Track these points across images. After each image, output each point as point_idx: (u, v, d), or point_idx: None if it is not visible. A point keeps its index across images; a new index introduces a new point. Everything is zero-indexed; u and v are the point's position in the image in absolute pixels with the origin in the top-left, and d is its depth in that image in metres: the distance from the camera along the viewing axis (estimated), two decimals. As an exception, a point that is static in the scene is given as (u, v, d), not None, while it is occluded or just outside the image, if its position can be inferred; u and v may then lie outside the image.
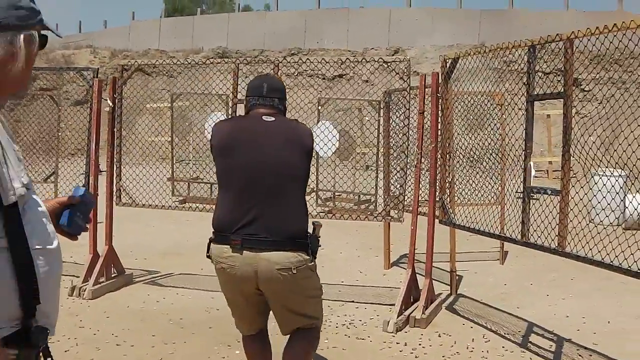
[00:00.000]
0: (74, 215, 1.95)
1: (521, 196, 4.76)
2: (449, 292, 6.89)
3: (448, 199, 5.76)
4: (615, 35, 3.86)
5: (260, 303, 3.67)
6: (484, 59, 5.28)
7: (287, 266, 3.42)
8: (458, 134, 6.98)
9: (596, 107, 19.50)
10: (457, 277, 7.09)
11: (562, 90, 4.32)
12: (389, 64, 6.07)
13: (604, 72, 19.89)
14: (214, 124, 3.73)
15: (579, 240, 4.27)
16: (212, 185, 11.24)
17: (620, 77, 19.46)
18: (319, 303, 3.76)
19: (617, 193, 10.49)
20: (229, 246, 3.43)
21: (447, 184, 5.95)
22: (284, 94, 3.78)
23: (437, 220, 5.97)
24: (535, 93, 4.64)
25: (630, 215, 11.40)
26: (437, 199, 5.72)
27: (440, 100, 5.69)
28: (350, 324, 5.83)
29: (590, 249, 4.14)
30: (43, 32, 1.77)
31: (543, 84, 19.32)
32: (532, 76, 4.61)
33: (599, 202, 11.85)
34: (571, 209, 4.32)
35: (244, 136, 3.56)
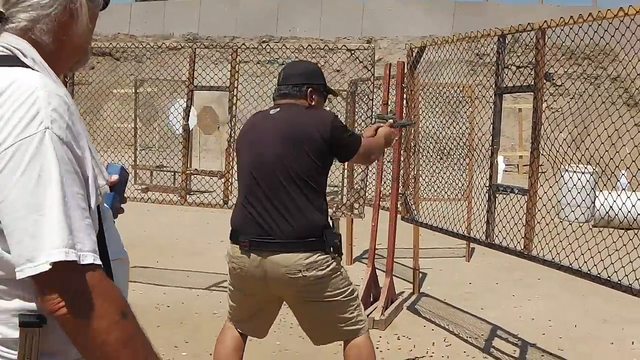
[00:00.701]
0: (115, 198, 1.64)
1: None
2: (412, 290, 6.64)
3: (411, 194, 5.48)
4: (589, 26, 3.60)
5: (269, 312, 3.52)
6: (455, 49, 5.00)
7: (296, 268, 3.19)
8: (426, 126, 6.72)
9: (568, 102, 19.44)
10: (420, 275, 6.86)
11: (533, 83, 4.04)
12: (352, 51, 5.76)
13: (577, 67, 19.83)
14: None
15: (547, 243, 4.02)
16: (175, 174, 10.91)
17: (593, 72, 19.41)
18: (352, 307, 3.41)
19: (586, 191, 10.29)
20: (239, 246, 3.28)
21: (412, 178, 5.68)
22: (307, 77, 3.51)
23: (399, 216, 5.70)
24: (505, 85, 4.37)
25: (598, 212, 11.27)
26: (400, 194, 5.44)
27: (405, 91, 5.40)
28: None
29: (558, 253, 3.89)
30: None
31: (516, 78, 19.13)
32: (501, 67, 4.35)
33: (569, 201, 11.70)
34: (539, 210, 4.07)
35: (250, 133, 3.46)
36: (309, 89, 3.46)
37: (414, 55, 5.35)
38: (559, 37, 3.88)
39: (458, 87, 6.92)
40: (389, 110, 4.34)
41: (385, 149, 4.01)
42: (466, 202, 7.53)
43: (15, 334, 1.30)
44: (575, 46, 19.62)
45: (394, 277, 5.93)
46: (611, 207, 11.03)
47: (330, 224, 3.36)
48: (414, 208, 5.38)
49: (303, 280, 3.20)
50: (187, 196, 7.05)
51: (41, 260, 1.20)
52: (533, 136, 4.03)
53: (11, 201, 1.22)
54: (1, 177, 1.22)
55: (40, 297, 1.26)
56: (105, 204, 1.48)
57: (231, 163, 6.28)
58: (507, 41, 4.35)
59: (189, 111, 6.52)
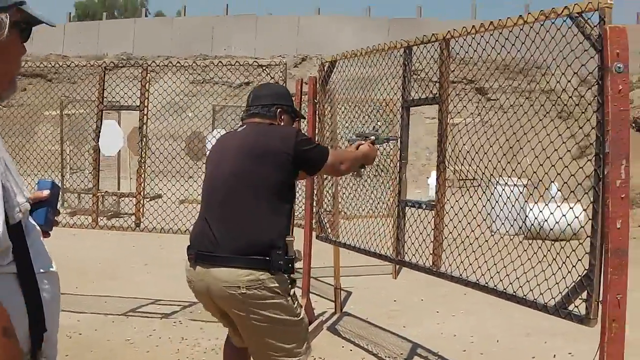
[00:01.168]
0: (48, 212, 1.75)
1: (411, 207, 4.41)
2: (334, 310, 6.53)
3: (326, 212, 5.38)
4: (496, 36, 3.55)
5: (233, 323, 3.43)
6: (385, 64, 4.91)
7: (236, 284, 3.11)
8: (342, 142, 6.64)
9: (496, 114, 19.69)
10: (344, 294, 6.76)
11: (437, 95, 3.99)
12: (264, 67, 5.67)
13: (511, 81, 20.13)
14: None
15: (454, 260, 3.95)
16: (102, 197, 10.67)
17: (528, 86, 19.72)
18: (292, 337, 3.29)
19: (511, 203, 10.37)
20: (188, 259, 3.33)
21: (332, 196, 5.59)
22: (276, 98, 3.58)
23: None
24: (411, 98, 4.31)
25: (526, 224, 11.37)
26: (314, 213, 5.34)
27: (317, 107, 5.32)
28: (220, 348, 5.38)
29: (465, 269, 3.83)
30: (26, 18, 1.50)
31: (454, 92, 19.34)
32: (407, 80, 4.28)
33: (498, 213, 11.79)
34: (446, 225, 4.00)
35: (215, 150, 3.53)
36: (278, 109, 3.52)
37: (325, 69, 5.27)
38: (489, 55, 3.80)
39: (381, 103, 6.86)
40: (372, 127, 4.25)
41: (367, 166, 3.96)
42: (391, 219, 7.46)
43: None
44: (509, 60, 19.96)
45: (319, 297, 5.81)
46: (538, 218, 11.28)
47: (283, 244, 3.22)
48: (327, 226, 5.28)
49: (242, 298, 3.13)
50: (112, 219, 6.87)
51: None
52: (439, 149, 3.97)
53: None
54: None
55: None
56: (37, 219, 1.58)
57: (142, 184, 6.10)
58: (412, 53, 4.28)
59: (99, 132, 6.32)
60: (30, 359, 1.50)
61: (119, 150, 9.49)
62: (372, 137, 3.91)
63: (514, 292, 3.45)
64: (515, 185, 11.56)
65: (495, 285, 3.58)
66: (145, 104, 6.03)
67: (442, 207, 3.97)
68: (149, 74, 6.03)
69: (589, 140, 3.09)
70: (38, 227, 1.60)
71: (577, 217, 3.34)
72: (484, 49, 3.71)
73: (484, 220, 4.41)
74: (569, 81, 3.17)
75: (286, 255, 3.20)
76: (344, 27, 21.63)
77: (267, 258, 3.14)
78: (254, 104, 3.54)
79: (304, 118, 4.00)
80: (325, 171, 3.68)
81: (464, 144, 3.98)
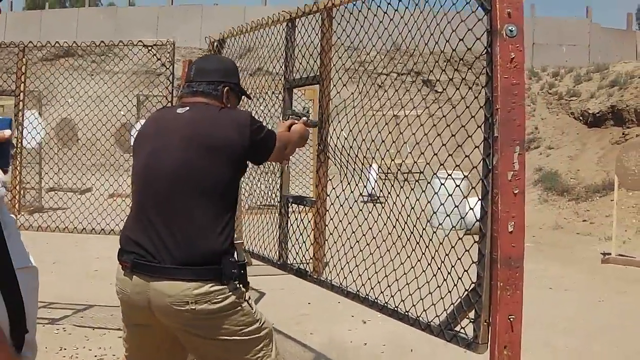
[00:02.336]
0: (9, 151, 1.59)
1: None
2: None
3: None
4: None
5: (171, 347, 2.83)
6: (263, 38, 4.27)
7: (183, 299, 2.60)
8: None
9: (440, 108, 19.27)
10: (256, 296, 6.15)
11: (318, 74, 3.37)
12: (150, 48, 5.00)
13: (457, 74, 19.70)
14: None
15: (334, 266, 3.34)
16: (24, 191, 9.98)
17: (476, 80, 19.31)
18: (256, 348, 2.79)
19: (452, 198, 9.91)
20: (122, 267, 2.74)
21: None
22: (224, 74, 2.98)
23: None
24: (292, 78, 3.68)
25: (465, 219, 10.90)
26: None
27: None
28: (105, 356, 4.81)
29: (345, 277, 3.23)
30: None
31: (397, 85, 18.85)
32: (290, 57, 3.65)
33: (437, 209, 11.16)
34: (325, 224, 3.39)
35: (148, 133, 2.88)
36: (226, 88, 2.94)
37: (214, 49, 4.63)
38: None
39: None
40: (302, 107, 3.59)
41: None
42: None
43: None
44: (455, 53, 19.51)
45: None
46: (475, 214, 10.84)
47: (232, 249, 2.73)
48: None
49: (191, 314, 2.61)
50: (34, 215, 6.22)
51: None
52: (319, 136, 3.35)
53: None
54: None
55: None
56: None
57: (19, 177, 5.42)
58: (295, 26, 3.65)
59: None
60: None
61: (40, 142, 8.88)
62: (305, 118, 3.36)
63: (396, 306, 2.85)
64: (453, 178, 11.09)
65: (376, 298, 2.97)
66: (22, 89, 5.33)
67: (323, 204, 3.35)
68: (25, 57, 5.34)
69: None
70: (12, 217, 1.46)
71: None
72: (370, 24, 3.08)
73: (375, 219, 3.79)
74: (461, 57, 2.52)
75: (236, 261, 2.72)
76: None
77: (218, 267, 2.65)
78: (197, 79, 2.93)
79: (250, 98, 3.35)
80: (271, 158, 3.07)
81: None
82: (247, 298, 2.81)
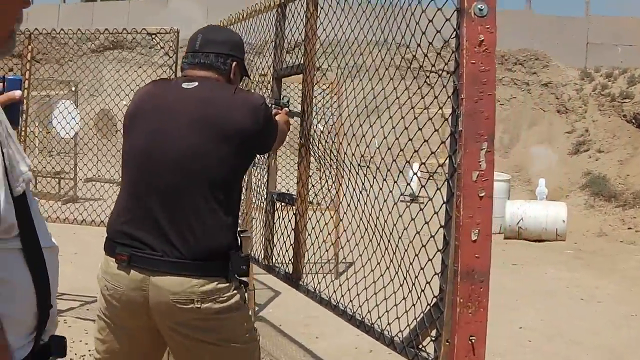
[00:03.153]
0: (20, 110, 1.62)
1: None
2: (247, 315, 5.70)
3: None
4: None
5: (151, 353, 2.64)
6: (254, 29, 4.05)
7: (188, 297, 2.38)
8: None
9: (497, 108, 18.74)
10: (271, 295, 5.98)
11: (303, 62, 3.12)
12: (153, 36, 4.84)
13: (507, 72, 19.20)
14: None
15: (309, 269, 3.10)
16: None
17: (525, 78, 18.78)
18: (248, 354, 2.57)
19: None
20: (115, 260, 2.45)
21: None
22: (232, 46, 2.69)
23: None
24: (281, 67, 3.45)
25: (505, 222, 10.51)
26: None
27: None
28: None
29: (327, 286, 2.98)
30: None
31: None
32: (280, 46, 3.42)
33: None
34: (306, 224, 3.14)
35: (145, 109, 2.57)
36: (234, 63, 2.67)
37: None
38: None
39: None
40: (282, 96, 3.40)
41: None
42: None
43: None
44: (505, 51, 19.10)
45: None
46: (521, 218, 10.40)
47: (238, 242, 2.54)
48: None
49: (194, 314, 2.40)
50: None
51: None
52: (301, 129, 3.11)
53: None
54: None
55: None
56: (10, 117, 1.41)
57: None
58: (286, 12, 3.41)
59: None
60: (35, 338, 1.37)
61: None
62: (287, 109, 3.17)
63: (362, 318, 2.59)
64: (496, 180, 10.73)
65: (345, 307, 2.72)
66: (27, 77, 5.25)
67: (303, 202, 3.10)
68: (31, 44, 5.26)
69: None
70: (36, 199, 1.46)
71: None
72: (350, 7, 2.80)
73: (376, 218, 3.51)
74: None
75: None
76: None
77: (225, 262, 2.46)
78: (204, 50, 2.62)
79: (250, 78, 3.25)
80: (273, 148, 2.90)
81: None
82: (246, 300, 2.62)
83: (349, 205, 2.59)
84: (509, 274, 7.81)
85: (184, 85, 2.55)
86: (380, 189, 2.45)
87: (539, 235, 10.34)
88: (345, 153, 2.70)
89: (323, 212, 3.06)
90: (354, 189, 2.51)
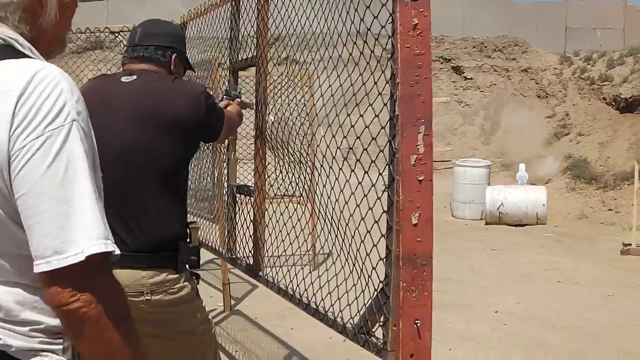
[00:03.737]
0: None
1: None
2: (222, 308, 5.70)
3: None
4: None
5: None
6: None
7: (138, 289, 2.37)
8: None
9: (477, 95, 18.91)
10: (249, 289, 5.97)
11: (256, 55, 3.10)
12: (116, 34, 4.79)
13: (487, 59, 19.19)
14: None
15: (268, 260, 3.10)
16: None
17: (504, 65, 18.77)
18: (204, 346, 2.59)
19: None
20: None
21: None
22: (173, 39, 2.68)
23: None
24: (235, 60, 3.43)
25: (487, 208, 10.54)
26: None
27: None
28: None
29: (285, 279, 2.97)
30: None
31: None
32: (234, 38, 3.40)
33: (460, 198, 10.97)
34: (261, 216, 3.13)
35: (90, 106, 2.32)
36: (174, 55, 2.67)
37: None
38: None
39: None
40: (234, 88, 3.38)
41: None
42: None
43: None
44: (484, 38, 19.13)
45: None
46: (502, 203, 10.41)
47: (187, 233, 2.54)
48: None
49: (146, 306, 2.39)
50: None
51: (71, 252, 1.18)
52: (256, 122, 3.10)
53: (37, 193, 1.19)
54: (27, 168, 1.19)
55: (54, 289, 1.20)
56: None
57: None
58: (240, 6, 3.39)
59: None
60: None
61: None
62: (238, 99, 3.16)
63: (316, 306, 2.59)
64: (477, 166, 10.68)
65: (300, 296, 2.72)
66: None
67: (261, 193, 3.09)
68: None
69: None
70: None
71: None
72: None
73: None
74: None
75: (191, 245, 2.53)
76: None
77: (174, 253, 2.46)
78: (144, 43, 2.62)
79: (194, 70, 3.17)
80: (220, 138, 2.86)
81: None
82: (197, 291, 2.61)
83: (323, 196, 2.57)
84: (488, 259, 7.83)
85: (123, 79, 2.55)
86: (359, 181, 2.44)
87: (519, 220, 10.36)
88: (318, 145, 2.67)
89: (295, 204, 3.05)
90: (327, 179, 2.48)
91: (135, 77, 2.55)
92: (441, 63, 19.73)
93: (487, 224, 10.52)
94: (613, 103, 15.18)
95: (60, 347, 1.30)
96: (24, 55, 1.29)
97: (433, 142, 2.02)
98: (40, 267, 1.18)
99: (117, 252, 1.27)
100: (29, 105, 1.20)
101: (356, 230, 2.31)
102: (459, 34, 19.95)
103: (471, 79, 19.17)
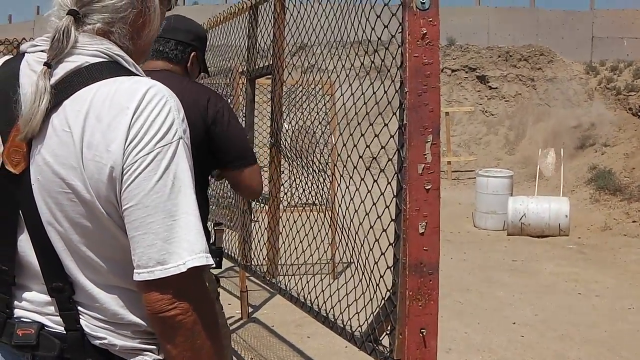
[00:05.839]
0: None
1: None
2: (240, 316, 5.72)
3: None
4: None
5: None
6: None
7: None
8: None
9: (502, 105, 18.82)
10: (266, 297, 5.99)
11: (272, 63, 3.13)
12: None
13: (512, 68, 19.10)
14: None
15: (281, 267, 3.11)
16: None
17: (530, 74, 18.67)
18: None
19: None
20: None
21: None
22: (195, 37, 2.66)
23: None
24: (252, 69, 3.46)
25: (510, 218, 10.46)
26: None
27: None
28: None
29: (297, 286, 2.98)
30: None
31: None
32: (252, 47, 3.43)
33: (484, 208, 10.92)
34: (276, 226, 3.15)
35: None
36: (193, 53, 2.66)
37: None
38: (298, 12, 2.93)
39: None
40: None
41: None
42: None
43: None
44: (510, 47, 19.04)
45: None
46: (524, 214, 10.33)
47: (212, 234, 2.61)
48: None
49: None
50: None
51: (173, 263, 1.24)
52: (271, 130, 3.12)
53: (145, 206, 1.24)
54: (137, 182, 1.24)
55: (154, 296, 1.25)
56: None
57: None
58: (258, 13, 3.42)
59: None
60: None
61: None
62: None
63: (326, 314, 2.60)
64: (498, 177, 10.61)
65: (311, 304, 2.73)
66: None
67: (275, 201, 3.11)
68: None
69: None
70: None
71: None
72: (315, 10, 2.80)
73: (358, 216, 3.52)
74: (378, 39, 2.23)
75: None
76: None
77: None
78: (166, 36, 2.57)
79: (208, 74, 3.12)
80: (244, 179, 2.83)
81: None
82: (217, 294, 2.65)
83: (340, 205, 2.56)
84: (508, 270, 7.78)
85: None
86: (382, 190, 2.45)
87: (542, 231, 10.26)
88: (339, 154, 2.67)
89: (317, 213, 3.06)
90: (347, 187, 2.48)
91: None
92: (466, 72, 19.68)
93: (509, 234, 10.43)
94: (639, 114, 15.02)
95: (156, 347, 1.37)
96: (130, 72, 1.34)
97: (440, 151, 2.03)
98: (142, 275, 1.25)
99: (213, 264, 1.32)
100: (141, 122, 1.25)
101: (365, 239, 2.32)
102: (484, 43, 19.88)
103: (496, 88, 19.07)
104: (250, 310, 5.88)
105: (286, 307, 5.93)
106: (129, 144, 1.25)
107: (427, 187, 1.99)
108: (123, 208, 1.26)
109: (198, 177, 2.56)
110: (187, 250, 1.25)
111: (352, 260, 2.46)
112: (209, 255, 1.29)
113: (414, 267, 1.99)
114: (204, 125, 2.49)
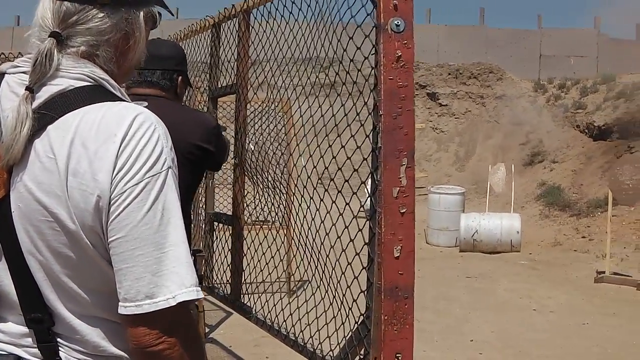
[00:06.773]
0: None
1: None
2: (197, 336, 5.61)
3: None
4: None
5: None
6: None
7: None
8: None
9: (452, 122, 19.04)
10: (223, 316, 5.89)
11: (236, 82, 3.09)
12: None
13: (463, 86, 19.37)
14: None
15: (246, 290, 3.06)
16: None
17: (478, 92, 18.96)
18: None
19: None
20: None
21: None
22: (177, 61, 2.69)
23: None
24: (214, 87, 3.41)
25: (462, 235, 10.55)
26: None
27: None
28: None
29: (262, 307, 2.93)
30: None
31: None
32: (214, 65, 3.39)
33: (436, 225, 10.96)
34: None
35: None
36: (180, 77, 2.71)
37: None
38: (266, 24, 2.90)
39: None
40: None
41: None
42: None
43: None
44: (459, 65, 19.31)
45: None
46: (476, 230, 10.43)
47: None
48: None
49: None
50: None
51: (162, 297, 1.20)
52: (235, 150, 3.07)
53: (133, 238, 1.20)
54: (126, 213, 1.20)
55: (141, 331, 1.21)
56: None
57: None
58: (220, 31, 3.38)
59: None
60: None
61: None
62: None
63: (295, 338, 2.56)
64: (451, 193, 10.69)
65: (279, 327, 2.69)
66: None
67: (239, 221, 3.06)
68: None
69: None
70: None
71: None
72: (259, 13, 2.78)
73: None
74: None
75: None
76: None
77: None
78: (149, 67, 2.55)
79: (193, 88, 3.30)
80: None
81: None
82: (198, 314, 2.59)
83: (302, 224, 2.54)
84: (463, 287, 7.83)
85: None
86: (337, 206, 2.42)
87: (494, 247, 10.39)
88: (299, 175, 2.64)
89: (272, 231, 3.03)
90: (308, 207, 2.46)
91: (146, 104, 2.51)
92: (416, 90, 19.87)
93: (461, 251, 10.54)
94: (586, 130, 15.36)
95: None
96: (115, 96, 1.30)
97: (415, 174, 2.01)
98: (129, 309, 1.20)
99: (202, 297, 1.33)
100: (129, 150, 1.21)
101: (337, 262, 2.29)
102: (434, 60, 20.12)
103: (446, 105, 19.31)
104: (207, 330, 5.78)
105: (243, 327, 5.86)
106: (117, 173, 1.20)
107: (402, 211, 1.98)
108: (110, 239, 1.21)
109: (191, 195, 2.53)
110: (177, 283, 1.21)
111: (321, 283, 2.43)
112: (199, 288, 1.26)
113: (389, 291, 1.97)
114: (208, 147, 2.60)
